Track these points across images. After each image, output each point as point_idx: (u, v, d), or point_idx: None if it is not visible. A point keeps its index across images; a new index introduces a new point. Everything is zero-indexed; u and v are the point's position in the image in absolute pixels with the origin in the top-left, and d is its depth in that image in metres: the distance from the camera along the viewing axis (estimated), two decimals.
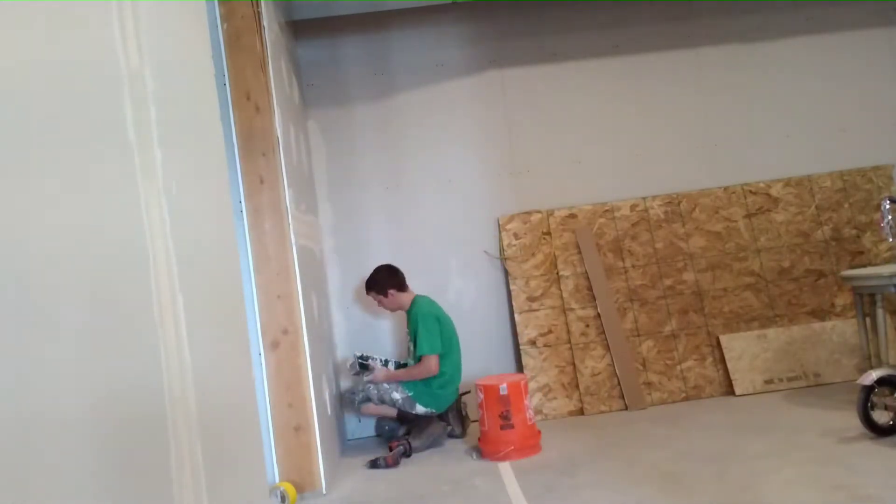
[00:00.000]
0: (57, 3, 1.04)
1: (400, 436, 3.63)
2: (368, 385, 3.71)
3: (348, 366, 3.79)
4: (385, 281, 3.83)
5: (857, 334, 3.73)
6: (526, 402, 3.32)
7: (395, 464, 3.32)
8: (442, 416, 3.74)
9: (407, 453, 3.46)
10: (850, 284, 3.27)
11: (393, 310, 3.91)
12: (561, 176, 4.38)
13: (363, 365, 3.72)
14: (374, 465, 3.32)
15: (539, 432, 3.38)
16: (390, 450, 3.44)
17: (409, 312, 3.82)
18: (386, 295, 3.81)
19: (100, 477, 0.99)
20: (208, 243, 1.54)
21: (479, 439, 3.38)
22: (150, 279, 1.22)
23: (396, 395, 3.68)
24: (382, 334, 4.26)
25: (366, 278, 3.86)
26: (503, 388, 3.28)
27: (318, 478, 2.94)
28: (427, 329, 3.67)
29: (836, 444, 2.78)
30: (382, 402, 3.69)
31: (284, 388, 2.94)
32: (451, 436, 3.76)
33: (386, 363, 3.81)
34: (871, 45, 4.55)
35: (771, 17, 4.54)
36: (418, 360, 3.69)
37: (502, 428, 3.26)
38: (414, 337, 3.73)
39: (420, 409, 3.67)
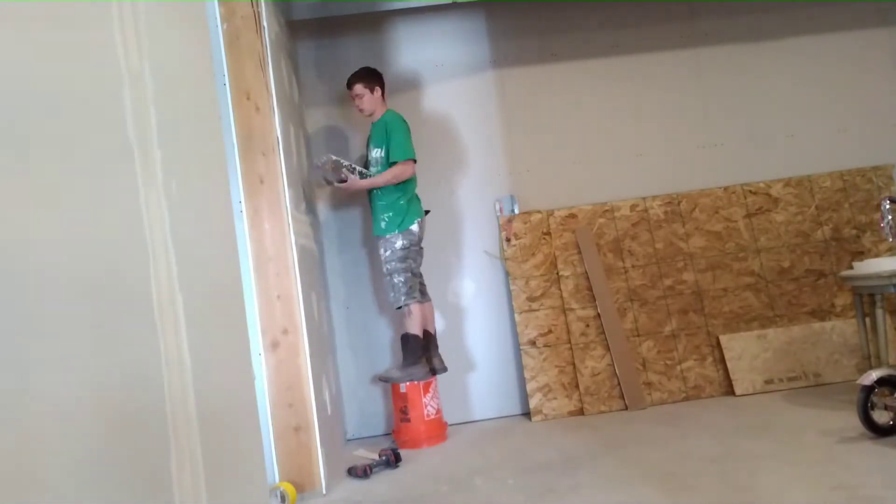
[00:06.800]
0: (57, 3, 1.04)
1: (389, 447, 3.46)
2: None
3: (320, 163, 3.69)
4: (378, 77, 3.81)
5: (857, 334, 3.73)
6: (424, 399, 3.70)
7: (364, 475, 3.18)
8: (427, 357, 3.78)
9: (391, 464, 3.30)
10: (850, 285, 3.27)
11: (367, 112, 3.82)
12: (561, 176, 4.38)
13: (338, 165, 3.66)
14: (350, 473, 3.24)
15: (444, 425, 3.82)
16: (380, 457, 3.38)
17: (375, 124, 3.82)
18: (373, 91, 3.77)
19: (99, 477, 0.99)
20: (208, 243, 1.54)
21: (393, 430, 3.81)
22: (150, 279, 1.22)
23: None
24: (383, 334, 4.26)
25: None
26: (402, 387, 3.70)
27: (318, 478, 2.94)
28: (403, 135, 3.72)
29: (836, 444, 2.78)
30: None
31: (284, 388, 2.94)
32: (434, 372, 3.80)
33: (353, 170, 3.71)
34: (871, 45, 4.55)
35: (771, 17, 4.54)
36: (387, 167, 3.69)
37: (401, 421, 3.70)
38: (384, 146, 3.72)
39: (398, 239, 3.70)
